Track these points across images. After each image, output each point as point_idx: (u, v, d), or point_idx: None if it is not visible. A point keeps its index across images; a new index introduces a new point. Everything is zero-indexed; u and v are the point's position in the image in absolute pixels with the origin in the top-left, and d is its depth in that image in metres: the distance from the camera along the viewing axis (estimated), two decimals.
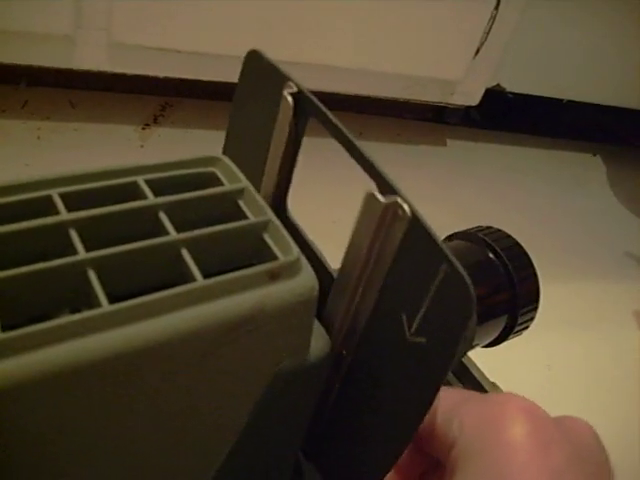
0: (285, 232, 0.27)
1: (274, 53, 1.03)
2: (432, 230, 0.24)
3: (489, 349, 0.62)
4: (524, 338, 0.83)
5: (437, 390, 0.26)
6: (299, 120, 0.30)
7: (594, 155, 1.31)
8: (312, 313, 0.27)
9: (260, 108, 0.32)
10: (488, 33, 0.94)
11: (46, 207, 0.25)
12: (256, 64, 0.32)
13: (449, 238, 0.47)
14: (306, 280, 0.26)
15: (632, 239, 1.07)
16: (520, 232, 1.02)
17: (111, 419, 0.24)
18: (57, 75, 0.95)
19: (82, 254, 0.23)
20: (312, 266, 0.29)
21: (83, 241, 0.24)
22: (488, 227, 0.46)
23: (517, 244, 0.45)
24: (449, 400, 0.29)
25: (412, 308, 0.26)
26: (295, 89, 0.29)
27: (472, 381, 0.51)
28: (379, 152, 1.11)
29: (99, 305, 0.22)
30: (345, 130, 0.28)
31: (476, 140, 1.21)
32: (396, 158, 1.09)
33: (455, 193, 1.05)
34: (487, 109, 1.17)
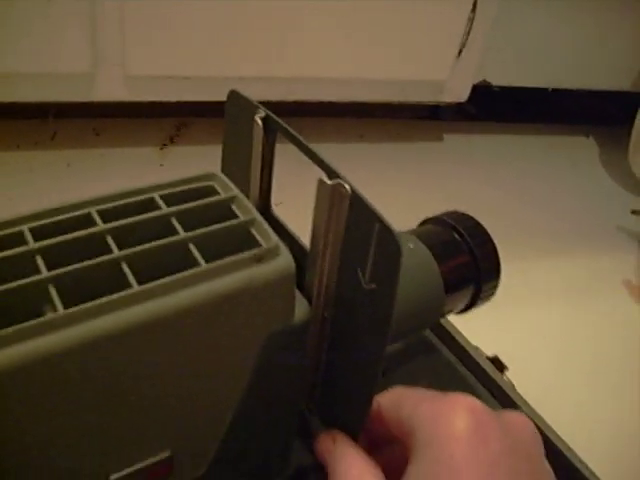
0: (267, 226, 0.35)
1: (276, 71, 1.12)
2: (367, 199, 0.33)
3: (492, 324, 0.69)
4: (520, 310, 0.91)
5: (390, 323, 0.34)
6: (269, 137, 0.39)
7: (587, 137, 1.37)
8: (292, 285, 0.35)
9: (242, 134, 0.41)
10: (468, 34, 1.01)
11: (86, 221, 0.34)
12: (235, 100, 0.41)
13: (422, 223, 0.55)
14: (284, 261, 0.34)
15: (624, 214, 1.13)
16: (517, 214, 1.11)
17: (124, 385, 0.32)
18: (81, 107, 1.05)
19: (116, 252, 0.32)
20: (293, 249, 0.38)
21: (117, 244, 0.33)
22: (454, 211, 0.54)
23: (478, 224, 0.52)
24: (411, 399, 0.34)
25: (363, 262, 0.34)
26: (263, 114, 0.38)
27: (456, 346, 0.59)
28: (379, 152, 1.19)
29: (130, 286, 0.31)
30: (301, 138, 0.36)
31: (471, 133, 1.28)
32: (396, 156, 1.17)
33: (453, 184, 1.12)
34: (480, 103, 1.24)
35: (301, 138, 0.36)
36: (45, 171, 0.98)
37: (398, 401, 0.35)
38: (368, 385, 0.37)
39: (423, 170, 1.15)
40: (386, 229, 0.32)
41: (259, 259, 0.34)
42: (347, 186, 0.34)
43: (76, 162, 1.01)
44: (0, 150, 1.00)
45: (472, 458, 0.29)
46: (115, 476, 0.35)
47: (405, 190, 1.07)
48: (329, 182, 0.34)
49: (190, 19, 0.90)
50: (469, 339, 0.61)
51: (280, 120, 0.38)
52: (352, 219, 0.34)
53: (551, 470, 0.32)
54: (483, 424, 0.31)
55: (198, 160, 1.07)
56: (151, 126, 1.11)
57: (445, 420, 0.31)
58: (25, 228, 0.33)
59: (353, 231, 0.34)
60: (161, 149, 1.08)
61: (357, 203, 0.33)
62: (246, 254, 0.33)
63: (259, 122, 0.38)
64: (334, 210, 0.34)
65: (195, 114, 1.13)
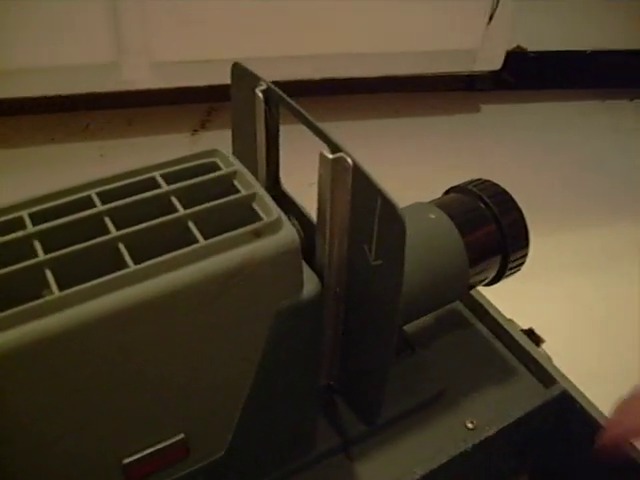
0: (270, 200, 0.34)
1: (302, 50, 1.10)
2: (368, 173, 0.31)
3: (527, 295, 0.66)
4: (557, 281, 0.87)
5: (397, 300, 0.32)
6: (271, 109, 0.37)
7: (630, 100, 1.32)
8: (297, 260, 0.34)
9: (247, 108, 0.39)
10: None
11: (85, 204, 0.34)
12: (238, 73, 0.40)
13: (446, 192, 0.53)
14: (287, 235, 0.33)
15: None
16: (556, 182, 1.07)
17: (140, 364, 0.32)
18: (112, 98, 1.05)
19: (113, 232, 0.32)
20: (303, 225, 0.36)
21: (116, 224, 0.32)
22: (478, 179, 0.52)
23: (503, 191, 0.50)
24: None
25: (369, 238, 0.33)
26: (265, 86, 0.37)
27: (489, 319, 0.57)
28: (416, 126, 1.16)
29: (126, 266, 0.30)
30: (303, 111, 0.35)
31: (509, 102, 1.24)
32: (432, 130, 1.14)
33: (491, 154, 1.09)
34: (516, 71, 1.20)
35: (303, 111, 0.35)
36: (78, 162, 0.99)
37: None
38: (383, 361, 0.36)
39: (460, 142, 1.12)
40: (388, 204, 0.30)
41: (258, 233, 0.32)
42: (349, 159, 0.32)
43: (109, 152, 1.02)
44: (36, 144, 1.01)
45: None
46: (128, 460, 0.34)
47: (442, 163, 1.05)
48: (330, 156, 0.33)
49: (211, 2, 0.89)
50: (503, 312, 0.59)
51: (281, 92, 0.37)
52: (356, 194, 0.33)
53: None
54: None
55: (229, 144, 1.07)
56: (182, 112, 1.11)
57: None
58: (25, 213, 0.33)
59: (358, 206, 0.33)
60: (192, 134, 1.07)
61: (360, 177, 0.32)
62: (245, 229, 0.32)
63: (260, 95, 0.37)
64: (337, 184, 0.33)
65: (225, 98, 1.12)
